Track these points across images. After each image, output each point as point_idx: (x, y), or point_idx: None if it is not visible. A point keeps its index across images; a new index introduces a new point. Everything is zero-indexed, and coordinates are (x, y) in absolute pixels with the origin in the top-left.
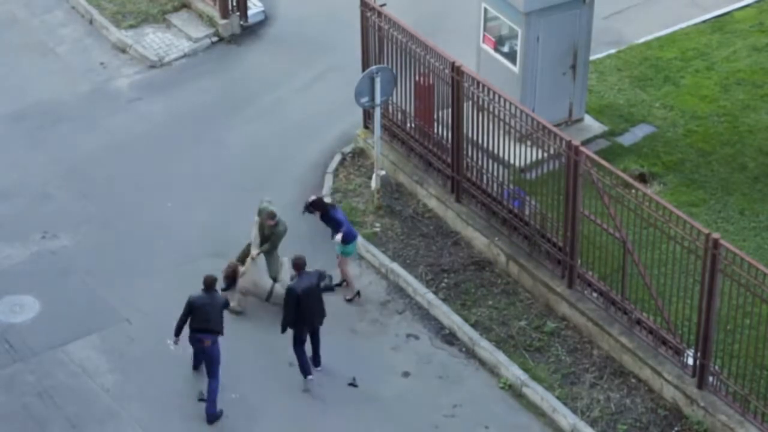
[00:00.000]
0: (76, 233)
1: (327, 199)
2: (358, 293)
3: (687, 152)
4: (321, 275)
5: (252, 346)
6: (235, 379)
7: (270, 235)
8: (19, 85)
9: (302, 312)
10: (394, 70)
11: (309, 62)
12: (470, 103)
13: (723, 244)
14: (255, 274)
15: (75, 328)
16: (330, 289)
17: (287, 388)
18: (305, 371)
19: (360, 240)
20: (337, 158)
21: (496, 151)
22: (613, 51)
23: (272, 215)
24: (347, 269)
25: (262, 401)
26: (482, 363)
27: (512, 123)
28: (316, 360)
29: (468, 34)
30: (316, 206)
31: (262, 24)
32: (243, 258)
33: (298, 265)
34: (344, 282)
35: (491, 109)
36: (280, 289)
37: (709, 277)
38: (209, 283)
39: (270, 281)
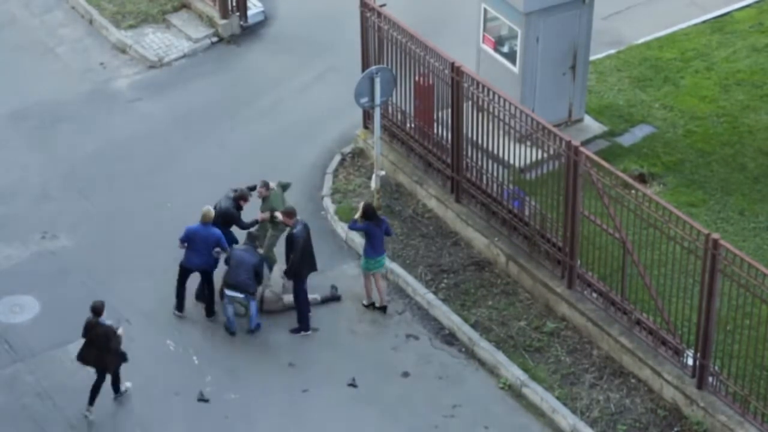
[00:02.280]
0: (76, 233)
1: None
2: (373, 304)
3: (687, 152)
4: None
5: (252, 346)
6: (235, 379)
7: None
8: (19, 85)
9: (304, 258)
10: (394, 71)
11: (309, 62)
12: (470, 103)
13: (723, 245)
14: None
15: (75, 328)
16: (336, 298)
17: (287, 388)
18: (307, 324)
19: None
20: (337, 158)
21: (495, 151)
22: (612, 51)
23: (266, 184)
24: (366, 281)
25: (262, 401)
26: (482, 363)
27: (512, 123)
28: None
29: (468, 35)
30: (365, 212)
31: (261, 24)
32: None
33: (290, 213)
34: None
35: (491, 110)
36: (269, 294)
37: (709, 277)
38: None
39: (259, 291)
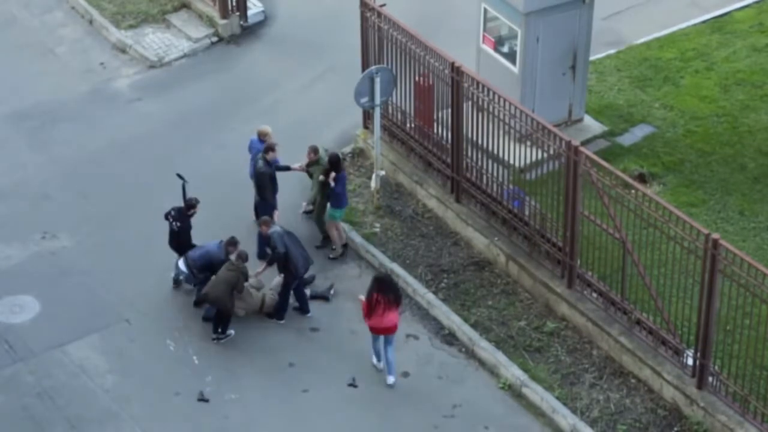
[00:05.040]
0: (76, 233)
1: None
2: (343, 253)
3: (687, 152)
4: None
5: (252, 346)
6: (235, 379)
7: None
8: (19, 85)
9: (291, 257)
10: (394, 71)
11: (309, 62)
12: (470, 103)
13: (723, 245)
14: (242, 299)
15: (75, 328)
16: (324, 297)
17: (287, 388)
18: (282, 315)
19: (360, 240)
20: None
21: (495, 151)
22: (612, 51)
23: (315, 149)
24: (332, 231)
25: (262, 401)
26: (482, 363)
27: (512, 123)
28: (304, 309)
29: (468, 35)
30: (335, 162)
31: (261, 24)
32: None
33: (267, 222)
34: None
35: (491, 110)
36: (269, 299)
37: (709, 277)
38: None
39: (259, 296)
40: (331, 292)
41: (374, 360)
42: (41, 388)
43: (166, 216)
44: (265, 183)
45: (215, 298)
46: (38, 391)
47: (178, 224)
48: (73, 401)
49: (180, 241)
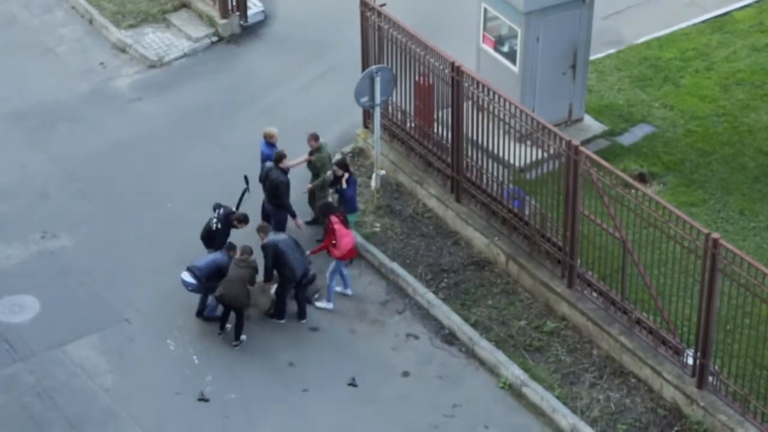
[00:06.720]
0: (76, 233)
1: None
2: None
3: (687, 152)
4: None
5: (252, 346)
6: (235, 379)
7: (318, 165)
8: (19, 85)
9: (288, 262)
10: (394, 70)
11: (309, 62)
12: (470, 103)
13: (723, 244)
14: (252, 296)
15: (75, 328)
16: (309, 302)
17: (287, 388)
18: (282, 314)
19: (360, 239)
20: (337, 158)
21: (496, 151)
22: (612, 51)
23: (315, 136)
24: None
25: (262, 401)
26: (482, 363)
27: (512, 123)
28: (301, 313)
29: (468, 34)
30: (344, 166)
31: (261, 24)
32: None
33: (265, 228)
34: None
35: (491, 109)
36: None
37: (709, 277)
38: None
39: (268, 298)
40: (315, 296)
41: (348, 290)
42: (41, 387)
43: (214, 208)
44: (283, 192)
45: (232, 297)
46: (38, 391)
47: (219, 226)
48: (73, 401)
49: (213, 241)
